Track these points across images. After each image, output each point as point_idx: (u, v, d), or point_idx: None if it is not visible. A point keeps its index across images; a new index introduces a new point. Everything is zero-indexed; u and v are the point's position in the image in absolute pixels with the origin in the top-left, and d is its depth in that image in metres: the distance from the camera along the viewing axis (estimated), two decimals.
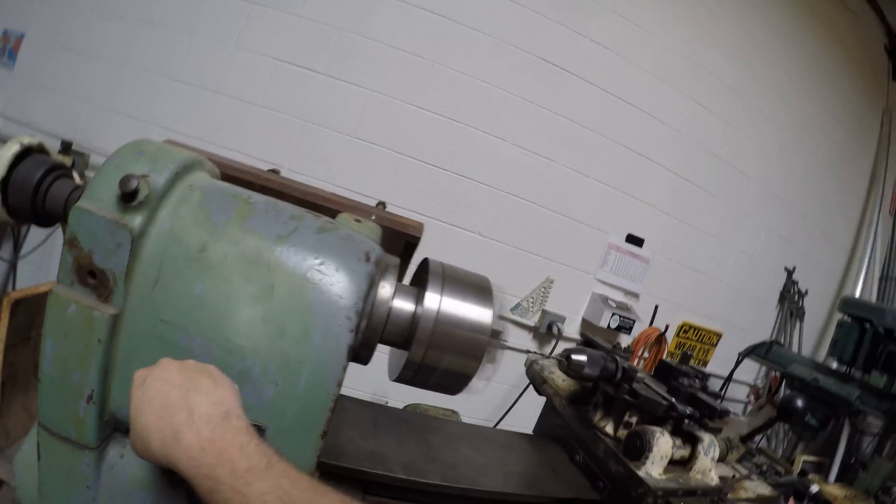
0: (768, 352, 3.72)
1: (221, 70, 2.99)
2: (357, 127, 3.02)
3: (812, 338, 4.83)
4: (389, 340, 0.94)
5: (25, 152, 0.82)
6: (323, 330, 0.78)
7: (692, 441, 1.20)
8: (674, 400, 1.16)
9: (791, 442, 3.71)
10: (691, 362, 4.04)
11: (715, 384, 4.00)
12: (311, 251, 0.82)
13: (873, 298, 4.85)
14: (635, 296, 3.66)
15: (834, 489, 3.00)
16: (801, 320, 4.51)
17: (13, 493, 0.91)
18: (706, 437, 1.20)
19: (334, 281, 0.81)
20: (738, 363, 3.83)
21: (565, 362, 1.15)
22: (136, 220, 0.75)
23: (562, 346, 3.29)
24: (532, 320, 3.39)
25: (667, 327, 3.73)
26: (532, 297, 3.38)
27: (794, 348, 4.44)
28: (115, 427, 0.81)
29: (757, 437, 4.25)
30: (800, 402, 1.38)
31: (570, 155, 3.30)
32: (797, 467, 3.17)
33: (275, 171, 1.34)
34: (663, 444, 1.10)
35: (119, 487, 0.80)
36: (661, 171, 3.53)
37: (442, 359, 0.88)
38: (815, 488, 2.74)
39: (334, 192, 1.24)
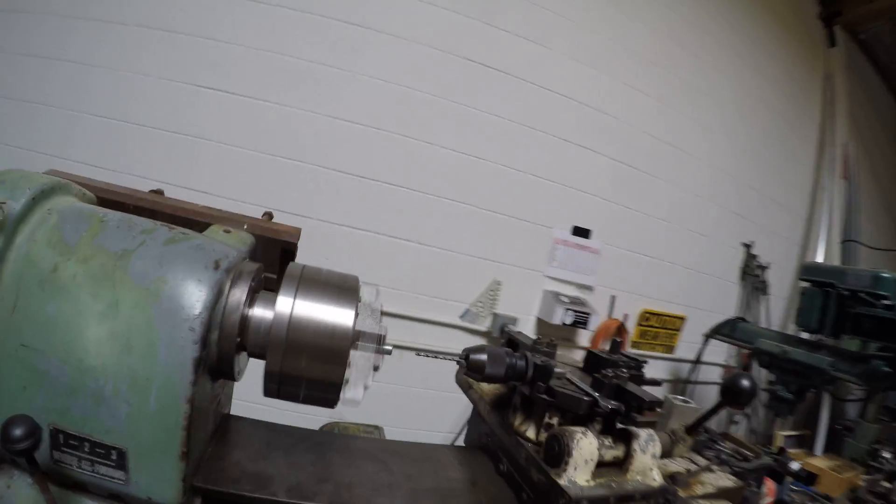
0: (733, 329, 3.69)
1: (128, 98, 2.92)
2: (273, 144, 2.97)
3: (779, 311, 4.90)
4: (252, 352, 0.84)
5: None
6: (167, 343, 0.78)
7: (625, 439, 1.08)
8: (597, 395, 1.03)
9: (769, 419, 3.66)
10: (656, 351, 4.07)
11: (684, 370, 3.96)
12: (157, 263, 0.82)
13: (836, 263, 4.88)
14: (589, 289, 3.64)
15: (819, 461, 2.98)
16: (766, 294, 4.55)
17: None
18: (642, 433, 1.08)
19: (178, 292, 0.80)
20: (704, 345, 3.78)
21: (464, 363, 1.03)
22: None
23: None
24: (484, 325, 3.29)
25: (625, 317, 3.69)
26: (481, 302, 3.30)
27: (762, 323, 4.44)
28: (1, 458, 0.80)
29: (715, 422, 4.21)
30: (745, 382, 1.20)
31: (503, 152, 3.30)
32: (777, 444, 3.17)
33: (157, 192, 1.23)
34: (586, 447, 0.98)
35: None
36: (599, 159, 3.54)
37: (300, 367, 0.80)
38: (795, 465, 2.71)
39: (210, 206, 1.13)
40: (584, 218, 3.56)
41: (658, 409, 1.08)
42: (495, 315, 3.34)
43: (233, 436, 1.04)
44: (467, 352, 1.05)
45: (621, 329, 3.72)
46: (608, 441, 1.06)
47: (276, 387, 0.84)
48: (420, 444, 1.24)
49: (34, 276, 0.78)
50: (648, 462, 1.06)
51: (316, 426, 2.31)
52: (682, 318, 4.12)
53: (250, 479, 0.90)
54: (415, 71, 3.09)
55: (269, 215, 1.26)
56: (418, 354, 1.13)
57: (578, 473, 0.96)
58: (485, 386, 1.35)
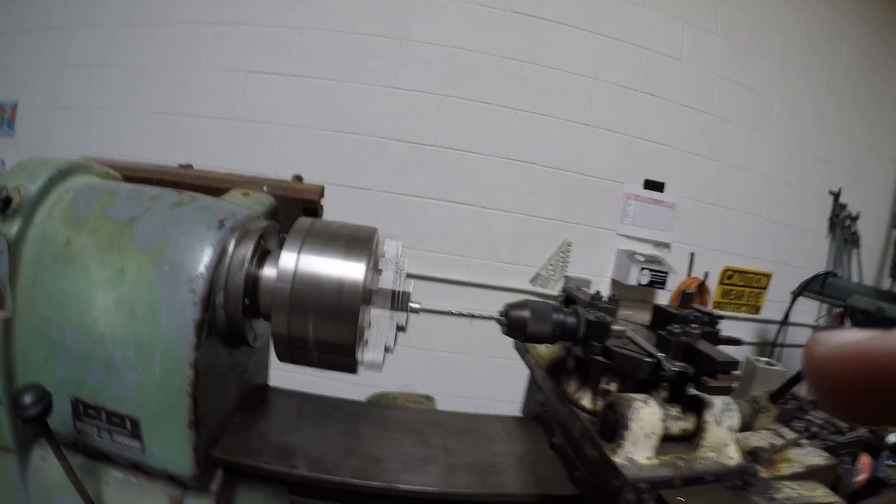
0: (823, 285, 3.28)
1: (193, 93, 3.00)
2: (335, 120, 2.92)
3: (873, 265, 4.31)
4: (265, 314, 0.80)
5: None
6: (168, 306, 0.73)
7: (697, 408, 0.89)
8: (661, 356, 0.85)
9: None
10: (741, 311, 3.70)
11: (771, 332, 3.59)
12: (160, 227, 0.77)
13: None
14: (666, 246, 3.33)
15: None
16: (857, 247, 4.03)
17: None
18: (717, 402, 0.89)
19: (180, 253, 0.75)
20: (791, 303, 3.40)
21: (504, 321, 0.88)
22: (13, 228, 0.78)
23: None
24: (556, 289, 3.11)
25: (706, 275, 3.37)
26: (551, 265, 3.11)
27: (854, 279, 3.93)
28: (37, 432, 0.78)
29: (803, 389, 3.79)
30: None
31: (564, 106, 3.05)
32: None
33: (186, 166, 1.19)
34: (647, 417, 0.80)
35: (44, 488, 0.81)
36: (668, 106, 3.21)
37: (308, 327, 0.69)
38: (893, 437, 2.38)
39: (234, 172, 1.06)
40: (656, 171, 3.25)
41: (735, 372, 0.85)
42: (567, 278, 3.15)
43: (263, 406, 0.98)
44: (507, 308, 0.90)
45: (702, 288, 3.41)
46: (675, 411, 0.88)
47: (288, 351, 0.75)
48: (468, 414, 1.11)
49: (50, 251, 0.77)
50: (724, 436, 0.88)
51: (363, 397, 2.30)
52: (767, 276, 3.71)
53: (272, 450, 0.83)
54: (466, 31, 2.90)
55: (297, 178, 1.17)
56: (453, 314, 1.00)
57: (638, 449, 0.79)
58: (541, 349, 1.20)
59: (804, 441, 1.24)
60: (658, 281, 3.11)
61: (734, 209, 3.50)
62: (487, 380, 3.10)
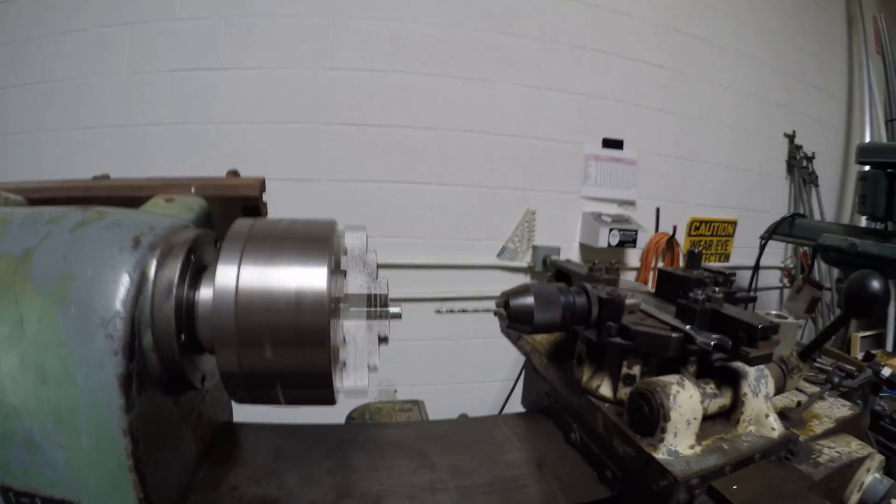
0: (791, 227, 3.30)
1: (115, 102, 2.72)
2: (273, 111, 2.70)
3: (832, 203, 4.43)
4: (209, 347, 0.62)
5: None
6: (81, 361, 0.56)
7: (732, 381, 0.80)
8: (688, 327, 0.74)
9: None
10: (710, 261, 3.72)
11: (743, 278, 3.61)
12: (61, 258, 0.60)
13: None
14: (631, 204, 3.29)
15: None
16: (816, 186, 4.09)
17: None
18: (751, 372, 0.80)
19: (88, 290, 0.58)
20: (762, 248, 3.42)
21: (504, 314, 0.75)
22: None
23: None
24: (525, 260, 3.01)
25: (675, 229, 3.34)
26: (517, 236, 3.00)
27: (816, 217, 4.00)
28: None
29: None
30: (875, 284, 0.82)
31: (513, 71, 2.92)
32: (855, 349, 2.86)
33: (102, 176, 1.00)
34: (686, 402, 0.70)
35: None
36: (618, 62, 3.13)
37: (265, 358, 0.52)
38: (886, 371, 2.40)
39: (154, 177, 0.88)
40: (614, 129, 3.17)
41: (775, 336, 0.73)
42: (535, 248, 3.04)
43: (232, 451, 0.82)
44: (506, 296, 0.77)
45: (672, 242, 3.37)
46: (710, 388, 0.78)
47: (245, 391, 0.59)
48: (467, 418, 0.99)
49: None
50: (762, 406, 0.79)
51: (343, 414, 2.09)
52: (733, 223, 3.73)
53: None
54: (403, 3, 2.72)
55: (233, 173, 0.99)
56: (438, 312, 0.86)
57: (680, 440, 0.69)
58: (536, 334, 1.08)
59: (827, 393, 1.14)
60: (628, 240, 3.06)
61: (695, 160, 3.48)
62: (466, 361, 3.00)
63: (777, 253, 4.07)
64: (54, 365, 0.56)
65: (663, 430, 0.68)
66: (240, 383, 0.57)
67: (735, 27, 3.57)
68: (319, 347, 0.54)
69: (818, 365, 1.70)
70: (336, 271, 0.62)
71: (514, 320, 0.75)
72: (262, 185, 0.85)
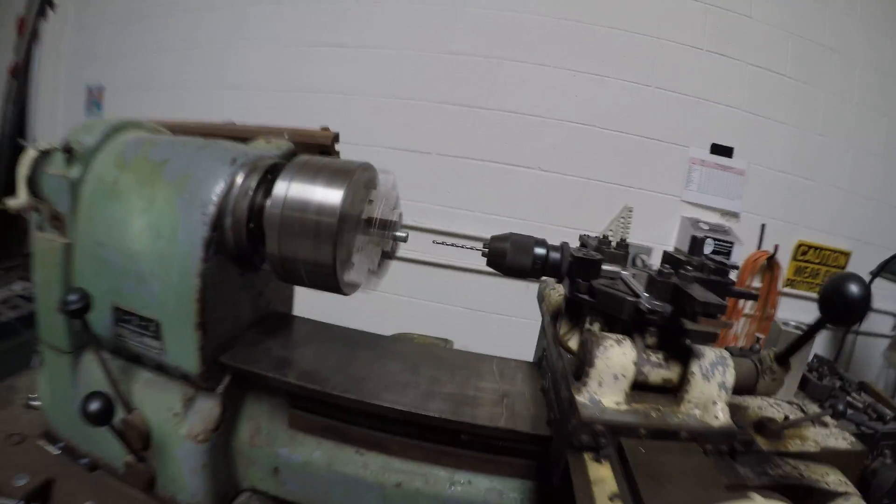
0: None
1: (268, 68, 3.22)
2: (393, 87, 3.03)
3: None
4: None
5: (43, 154, 1.01)
6: (185, 227, 0.85)
7: (682, 357, 0.82)
8: (646, 296, 0.80)
9: None
10: (817, 290, 3.42)
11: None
12: (186, 164, 0.91)
13: None
14: (734, 215, 3.18)
15: None
16: None
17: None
18: (708, 353, 0.81)
19: (198, 185, 0.87)
20: (868, 283, 3.09)
21: (485, 250, 0.90)
22: (74, 172, 0.95)
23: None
24: None
25: (776, 248, 3.15)
26: (611, 230, 3.04)
27: None
28: (90, 340, 0.94)
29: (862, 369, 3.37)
30: (853, 289, 0.80)
31: (624, 67, 2.97)
32: None
33: (229, 123, 1.32)
34: (616, 357, 0.76)
35: (89, 386, 0.94)
36: (737, 66, 3.02)
37: (294, 246, 0.80)
38: None
39: (266, 125, 1.18)
40: (724, 135, 3.09)
41: (721, 317, 0.78)
42: (627, 244, 3.07)
43: (277, 328, 1.09)
44: (491, 238, 0.91)
45: (772, 262, 3.20)
46: (657, 357, 0.81)
47: (281, 269, 0.84)
48: (471, 353, 1.16)
49: (102, 190, 0.94)
50: (713, 393, 0.79)
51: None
52: (846, 254, 3.41)
53: (271, 362, 0.94)
54: None
55: (324, 129, 1.25)
56: (435, 243, 1.03)
57: (605, 391, 0.76)
58: (554, 296, 1.20)
59: (829, 420, 1.07)
60: (722, 251, 2.97)
61: (811, 179, 3.25)
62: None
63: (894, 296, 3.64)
64: (167, 227, 0.86)
65: (588, 376, 0.76)
66: (277, 261, 0.82)
67: (869, 36, 3.25)
68: (328, 244, 0.78)
69: (852, 398, 1.61)
70: (360, 198, 0.84)
71: (491, 257, 0.90)
72: (335, 136, 1.10)
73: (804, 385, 1.50)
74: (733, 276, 3.09)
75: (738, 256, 3.02)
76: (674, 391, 0.82)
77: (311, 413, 0.95)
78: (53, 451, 1.05)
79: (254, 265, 0.93)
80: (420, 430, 0.91)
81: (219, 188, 0.85)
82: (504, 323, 3.12)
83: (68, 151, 0.94)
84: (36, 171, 0.99)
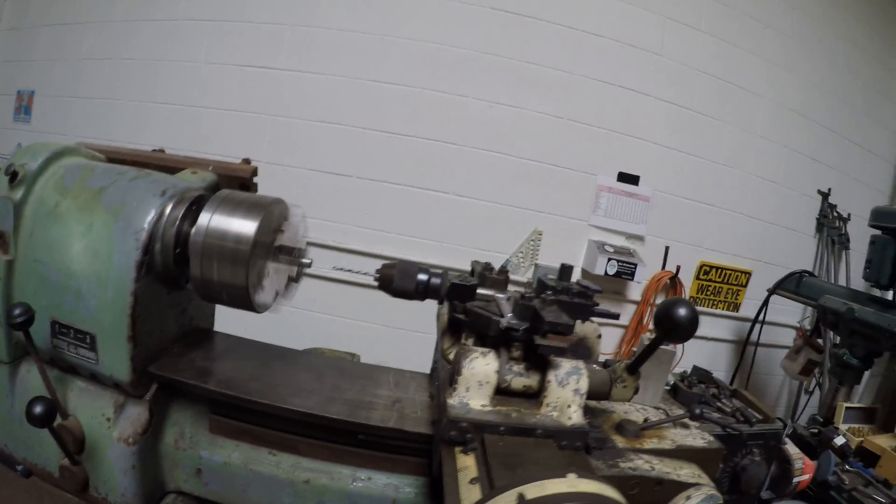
0: (798, 284, 3.38)
1: (198, 86, 3.37)
2: (320, 111, 3.24)
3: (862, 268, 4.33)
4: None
5: None
6: (120, 250, 1.01)
7: (541, 368, 0.98)
8: (509, 315, 0.99)
9: (831, 387, 3.34)
10: (718, 308, 3.82)
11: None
12: (122, 194, 1.06)
13: None
14: (639, 239, 3.53)
15: (885, 440, 2.68)
16: (847, 248, 4.10)
17: None
18: (564, 364, 0.97)
19: (132, 213, 1.03)
20: (765, 301, 3.54)
21: (375, 275, 1.09)
22: (18, 194, 1.07)
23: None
24: (526, 276, 3.33)
25: (678, 268, 3.53)
26: (521, 252, 3.33)
27: (842, 281, 4.02)
28: (25, 351, 1.10)
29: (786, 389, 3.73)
30: (681, 311, 1.00)
31: (541, 99, 3.29)
32: (839, 417, 2.88)
33: (158, 150, 1.47)
34: (479, 367, 0.94)
35: (26, 394, 1.07)
36: (646, 101, 3.41)
37: (213, 269, 0.97)
38: (839, 439, 2.46)
39: (189, 156, 1.37)
40: (632, 164, 3.45)
41: (570, 335, 0.95)
42: (536, 265, 3.36)
43: (200, 343, 1.25)
44: (382, 266, 1.09)
45: (675, 281, 3.57)
46: (518, 367, 0.98)
47: (203, 290, 1.01)
48: (371, 365, 1.35)
49: (44, 211, 1.07)
50: (567, 397, 0.95)
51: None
52: (747, 273, 3.85)
53: (194, 371, 1.10)
54: (446, 27, 3.16)
55: (245, 161, 1.42)
56: (335, 268, 1.21)
57: (472, 395, 0.93)
58: (444, 315, 1.40)
59: (691, 423, 1.25)
60: (626, 272, 3.30)
61: (713, 205, 3.66)
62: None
63: (796, 312, 4.12)
64: (104, 250, 1.01)
65: (456, 383, 0.95)
66: (200, 283, 0.99)
67: (774, 75, 3.70)
68: (241, 268, 0.95)
69: (722, 403, 1.86)
70: (271, 229, 1.02)
71: (381, 282, 1.08)
72: (254, 171, 1.27)
73: (675, 393, 1.74)
74: (638, 290, 3.44)
75: (643, 276, 3.38)
76: (535, 396, 0.98)
77: (229, 418, 1.11)
78: None
79: (179, 285, 1.09)
80: (323, 431, 1.08)
81: (150, 217, 1.01)
82: (409, 338, 3.32)
83: (13, 175, 1.06)
84: None
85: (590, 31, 3.26)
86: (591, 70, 3.28)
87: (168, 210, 1.03)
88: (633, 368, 1.18)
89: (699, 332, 3.40)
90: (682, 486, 0.97)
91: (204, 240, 0.97)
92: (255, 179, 1.30)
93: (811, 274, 3.48)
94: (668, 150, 3.48)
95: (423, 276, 1.09)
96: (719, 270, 3.77)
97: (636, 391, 1.22)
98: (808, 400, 4.05)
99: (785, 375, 3.91)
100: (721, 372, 3.89)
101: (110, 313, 1.01)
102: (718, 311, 3.88)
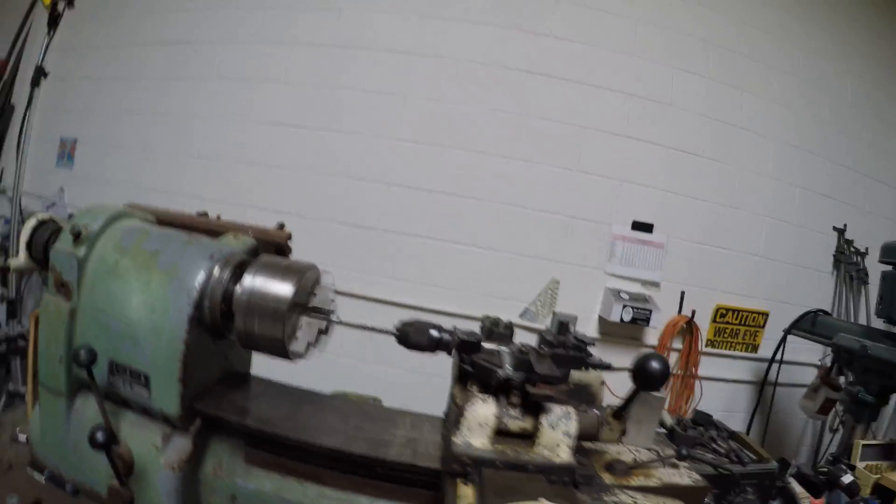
0: (814, 324, 3.42)
1: (231, 141, 3.67)
2: (345, 167, 3.52)
3: None
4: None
5: (41, 224, 1.40)
6: (174, 306, 1.20)
7: (534, 412, 1.11)
8: (508, 367, 1.14)
9: (848, 425, 3.34)
10: (737, 349, 3.83)
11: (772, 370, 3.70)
12: (176, 257, 1.27)
13: None
14: (655, 285, 3.63)
15: None
16: (866, 284, 4.07)
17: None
18: (556, 409, 1.11)
19: (185, 274, 1.23)
20: (781, 341, 3.56)
21: (396, 333, 1.23)
22: (81, 251, 1.27)
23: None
24: (543, 323, 3.49)
25: (693, 312, 3.60)
26: (539, 301, 3.47)
27: (862, 318, 4.01)
28: (81, 385, 1.29)
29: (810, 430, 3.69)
30: (654, 364, 1.16)
31: (551, 153, 3.47)
32: (856, 455, 2.83)
33: (202, 214, 1.67)
34: (480, 410, 1.09)
35: (81, 425, 1.24)
36: (656, 150, 3.55)
37: (254, 324, 1.14)
38: (847, 477, 2.46)
39: (233, 221, 1.56)
40: (645, 212, 3.56)
41: (561, 385, 1.15)
42: (555, 313, 3.48)
43: (240, 385, 1.43)
44: (400, 322, 1.25)
45: (691, 325, 3.63)
46: (515, 411, 1.12)
47: (245, 339, 1.19)
48: (392, 409, 1.50)
49: (105, 269, 1.27)
50: (557, 438, 1.09)
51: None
52: (764, 314, 3.87)
53: (235, 410, 1.28)
54: (463, 87, 3.43)
55: (280, 225, 1.61)
56: (359, 327, 1.36)
57: (474, 436, 1.08)
58: (456, 364, 1.54)
59: (680, 463, 1.35)
60: (641, 318, 3.40)
61: (728, 248, 3.73)
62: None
63: (816, 350, 4.10)
64: (161, 306, 1.20)
65: (459, 424, 1.08)
66: (243, 334, 1.17)
67: (783, 116, 3.79)
68: (279, 323, 1.13)
69: (717, 445, 1.94)
70: (306, 290, 1.20)
71: (399, 338, 1.25)
72: (288, 236, 1.47)
73: (672, 436, 1.86)
74: (654, 336, 3.50)
75: (659, 321, 3.47)
76: (530, 437, 1.12)
77: (263, 451, 1.27)
78: (41, 478, 1.33)
79: (223, 335, 1.27)
80: (346, 464, 1.23)
81: (201, 277, 1.20)
82: (428, 383, 3.44)
83: (77, 235, 1.27)
84: (34, 237, 1.36)
85: (597, 85, 3.44)
86: (600, 122, 3.45)
87: (216, 272, 1.22)
88: (618, 414, 1.34)
89: (717, 375, 3.51)
90: None
91: (248, 298, 1.15)
92: (290, 243, 1.49)
93: (826, 312, 3.52)
94: (680, 197, 3.58)
95: (434, 333, 1.25)
96: (736, 312, 3.82)
97: (623, 433, 1.37)
98: (832, 439, 4.00)
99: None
100: (740, 413, 3.89)
101: (164, 358, 1.19)
102: (736, 353, 3.90)
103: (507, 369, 1.14)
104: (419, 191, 3.44)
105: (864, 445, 2.87)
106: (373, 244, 3.46)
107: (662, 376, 1.20)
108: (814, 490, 2.26)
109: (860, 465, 2.75)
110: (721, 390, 3.84)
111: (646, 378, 1.20)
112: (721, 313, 3.79)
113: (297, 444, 1.20)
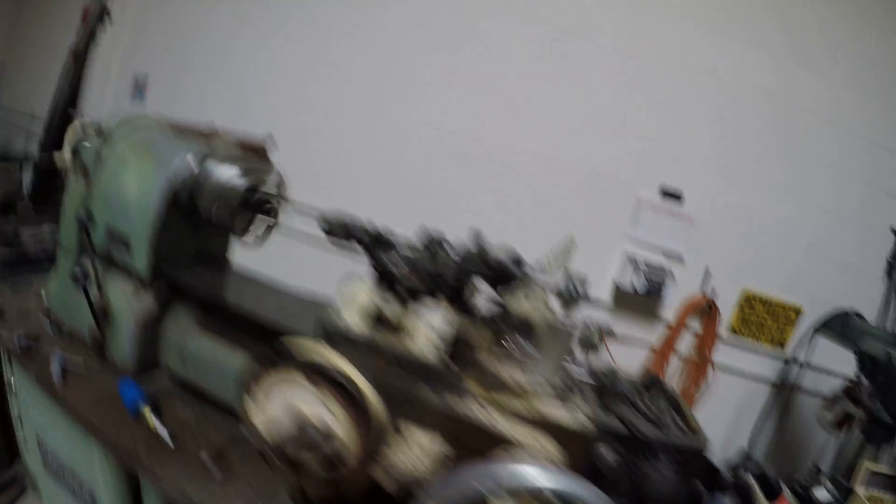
0: (844, 326, 3.18)
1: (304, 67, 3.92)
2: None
3: None
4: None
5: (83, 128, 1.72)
6: (157, 184, 1.55)
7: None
8: (399, 263, 1.24)
9: (856, 444, 2.94)
10: (762, 341, 3.69)
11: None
12: (168, 150, 1.61)
13: None
14: (679, 259, 3.50)
15: None
16: None
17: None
18: (427, 302, 1.22)
19: (169, 160, 1.58)
20: (810, 342, 3.37)
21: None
22: (99, 143, 1.63)
23: (585, 308, 3.36)
24: (554, 277, 3.49)
25: (713, 291, 3.49)
26: (552, 254, 3.48)
27: None
28: (94, 251, 1.61)
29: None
30: (608, 456, 1.14)
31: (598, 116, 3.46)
32: (858, 478, 2.63)
33: (211, 125, 1.92)
34: (357, 290, 1.24)
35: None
36: (701, 122, 3.41)
37: (213, 203, 1.49)
38: (822, 493, 2.35)
39: (227, 131, 1.85)
40: (677, 181, 3.45)
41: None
42: (566, 269, 3.49)
43: (211, 266, 1.77)
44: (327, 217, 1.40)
45: (711, 306, 3.52)
46: (391, 298, 1.20)
47: (207, 215, 1.54)
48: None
49: (115, 157, 1.61)
50: (421, 330, 1.17)
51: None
52: (796, 310, 3.64)
53: (195, 280, 1.61)
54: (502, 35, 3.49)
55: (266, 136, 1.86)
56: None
57: (350, 312, 1.19)
58: None
59: (580, 405, 1.22)
60: (654, 290, 3.34)
61: (767, 233, 3.52)
62: None
63: (852, 362, 3.83)
64: (149, 185, 1.54)
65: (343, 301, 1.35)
66: (206, 211, 1.49)
67: (851, 101, 3.47)
68: (230, 204, 1.41)
69: (645, 407, 1.88)
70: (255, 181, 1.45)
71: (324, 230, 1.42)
72: (264, 143, 1.72)
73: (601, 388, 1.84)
74: (671, 312, 3.39)
75: (675, 296, 3.42)
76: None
77: (211, 317, 1.55)
78: (46, 323, 1.74)
79: (194, 213, 1.57)
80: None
81: (180, 164, 1.53)
82: None
83: (100, 133, 1.61)
84: (77, 140, 1.67)
85: (640, 53, 3.38)
86: (643, 88, 3.40)
87: (192, 161, 1.54)
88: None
89: (734, 365, 3.33)
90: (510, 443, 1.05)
91: (206, 182, 1.50)
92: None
93: (859, 315, 3.26)
94: (723, 172, 3.44)
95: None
96: (766, 303, 3.62)
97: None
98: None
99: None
100: (755, 414, 3.72)
101: (141, 224, 1.53)
102: (761, 346, 3.71)
103: (397, 264, 1.23)
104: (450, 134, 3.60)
105: (872, 472, 2.64)
106: (407, 193, 3.65)
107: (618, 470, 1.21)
108: (769, 492, 2.24)
109: (861, 490, 2.59)
110: (737, 385, 3.71)
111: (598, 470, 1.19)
112: (748, 299, 3.62)
113: (217, 305, 1.51)
